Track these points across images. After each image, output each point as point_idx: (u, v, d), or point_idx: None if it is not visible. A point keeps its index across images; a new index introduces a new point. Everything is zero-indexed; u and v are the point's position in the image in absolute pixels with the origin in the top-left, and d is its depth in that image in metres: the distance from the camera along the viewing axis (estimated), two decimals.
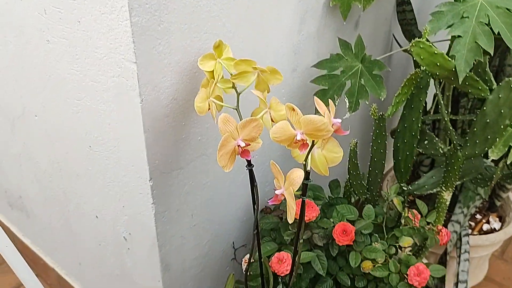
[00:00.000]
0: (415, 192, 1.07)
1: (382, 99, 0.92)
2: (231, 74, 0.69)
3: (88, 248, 1.06)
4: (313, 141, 0.61)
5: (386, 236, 0.93)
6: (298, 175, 0.60)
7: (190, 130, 0.79)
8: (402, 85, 0.91)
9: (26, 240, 1.36)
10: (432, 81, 0.96)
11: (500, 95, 0.84)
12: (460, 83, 0.82)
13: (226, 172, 0.92)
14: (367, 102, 0.93)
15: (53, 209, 1.11)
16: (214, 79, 0.69)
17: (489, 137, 0.88)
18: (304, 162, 0.63)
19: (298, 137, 0.57)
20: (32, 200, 1.19)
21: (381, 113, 0.94)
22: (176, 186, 0.82)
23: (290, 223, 0.63)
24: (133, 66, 0.65)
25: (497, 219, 1.37)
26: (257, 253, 0.84)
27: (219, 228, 0.98)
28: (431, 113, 1.29)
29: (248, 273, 0.87)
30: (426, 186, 1.06)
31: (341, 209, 0.93)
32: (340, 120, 0.60)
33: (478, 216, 1.38)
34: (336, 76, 0.94)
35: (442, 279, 1.21)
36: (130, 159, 0.78)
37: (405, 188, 1.05)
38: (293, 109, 0.57)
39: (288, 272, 0.82)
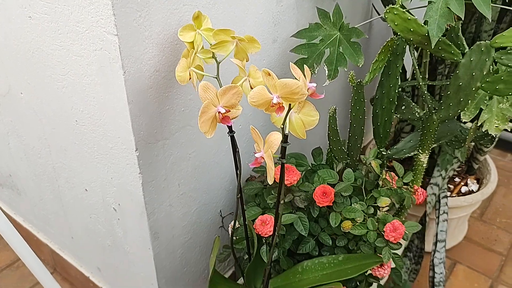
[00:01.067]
0: (394, 156, 1.11)
1: (360, 66, 0.95)
2: (210, 45, 0.71)
3: (80, 221, 1.09)
4: (289, 105, 0.64)
5: (365, 198, 0.97)
6: (276, 138, 0.63)
7: (174, 101, 0.82)
8: (378, 52, 0.94)
9: (18, 218, 1.39)
10: (407, 47, 0.99)
11: (471, 59, 0.87)
12: (433, 47, 0.84)
13: (211, 143, 0.95)
14: (345, 70, 0.96)
15: (43, 185, 1.13)
16: (194, 50, 0.71)
17: (461, 99, 0.91)
18: (282, 126, 0.66)
19: (274, 101, 0.60)
20: (22, 177, 1.21)
21: (359, 80, 0.97)
22: (162, 156, 0.85)
23: (270, 183, 0.67)
24: (114, 38, 0.67)
25: (475, 181, 1.42)
26: (242, 218, 0.88)
27: (207, 197, 1.01)
28: (410, 79, 1.33)
29: (234, 237, 0.90)
30: (404, 150, 1.10)
31: (322, 174, 0.97)
32: (315, 84, 0.63)
33: (457, 179, 1.43)
34: (315, 45, 0.97)
35: (422, 240, 1.27)
36: (116, 131, 0.80)
37: (384, 153, 1.09)
38: (269, 74, 0.60)
39: (271, 233, 0.85)
